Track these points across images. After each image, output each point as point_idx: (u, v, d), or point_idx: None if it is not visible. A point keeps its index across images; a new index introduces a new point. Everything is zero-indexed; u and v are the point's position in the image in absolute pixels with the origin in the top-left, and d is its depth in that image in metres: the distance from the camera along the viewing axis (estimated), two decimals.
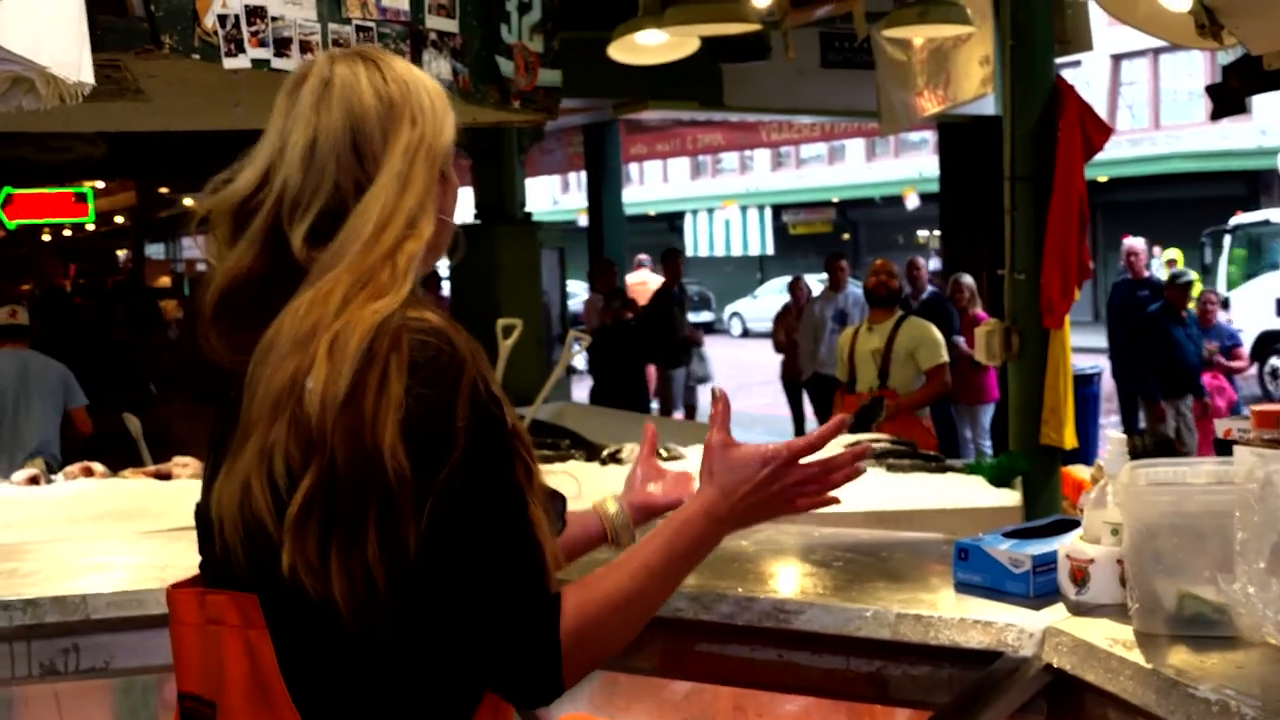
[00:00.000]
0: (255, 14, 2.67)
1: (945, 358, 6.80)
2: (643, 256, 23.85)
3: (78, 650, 2.58)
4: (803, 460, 1.82)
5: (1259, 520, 1.96)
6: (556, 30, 3.76)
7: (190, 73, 2.74)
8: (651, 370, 13.16)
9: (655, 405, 13.17)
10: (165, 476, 4.79)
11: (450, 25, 3.21)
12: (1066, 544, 2.24)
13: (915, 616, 2.23)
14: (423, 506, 1.52)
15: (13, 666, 2.55)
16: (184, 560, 2.85)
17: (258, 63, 2.70)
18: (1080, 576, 2.18)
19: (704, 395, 14.23)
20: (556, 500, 1.96)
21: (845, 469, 1.84)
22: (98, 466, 4.81)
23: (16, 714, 3.15)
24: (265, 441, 1.52)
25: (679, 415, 12.88)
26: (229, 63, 2.64)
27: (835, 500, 1.85)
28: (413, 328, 1.55)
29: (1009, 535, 2.38)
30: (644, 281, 19.95)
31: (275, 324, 1.57)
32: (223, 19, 2.61)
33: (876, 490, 4.67)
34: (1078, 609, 2.17)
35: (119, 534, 3.74)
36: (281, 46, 2.73)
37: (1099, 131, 4.92)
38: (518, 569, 1.58)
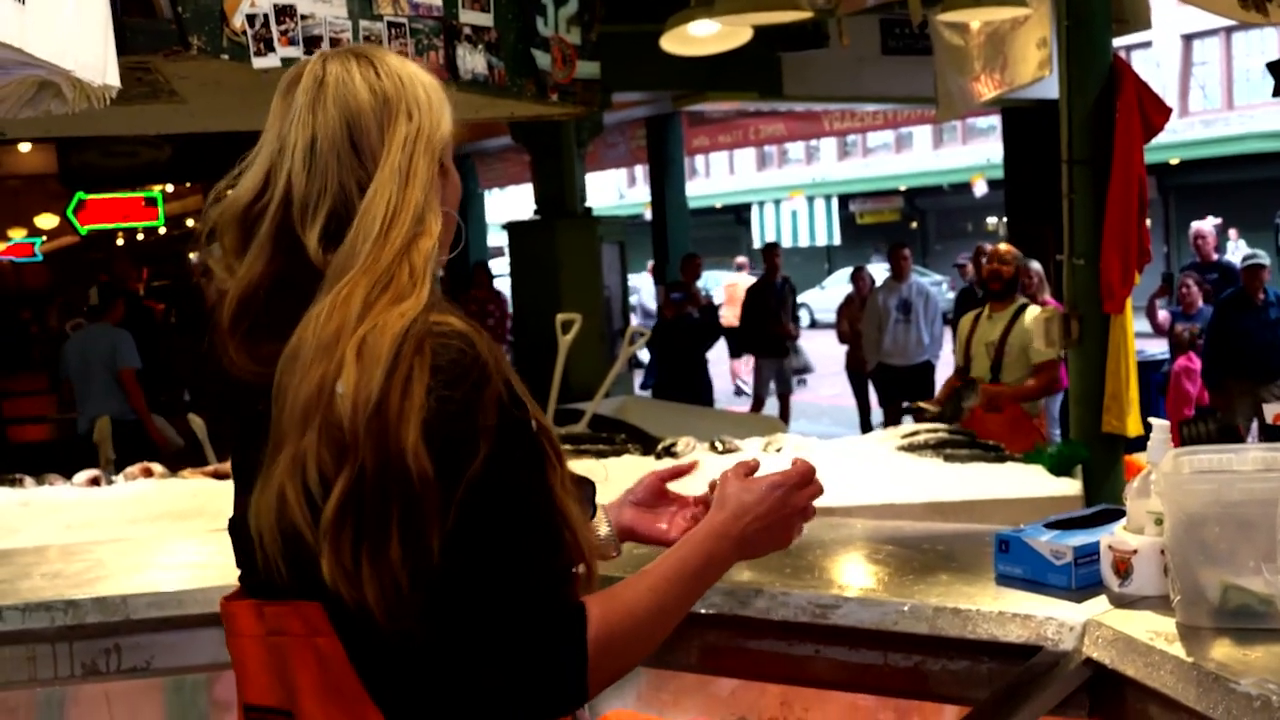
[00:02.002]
0: (284, 13, 2.66)
1: (1058, 353, 6.33)
2: (742, 259, 24.09)
3: (119, 650, 2.60)
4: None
5: None
6: (594, 22, 3.73)
7: (221, 73, 2.74)
8: (745, 363, 13.29)
9: (748, 394, 13.30)
10: (224, 476, 4.82)
11: (484, 19, 3.20)
12: (1109, 535, 2.18)
13: (954, 610, 2.19)
14: (447, 509, 1.51)
15: (55, 667, 2.57)
16: (232, 560, 2.86)
17: (287, 61, 2.69)
18: (1123, 568, 2.12)
19: (798, 387, 14.27)
20: (585, 486, 1.96)
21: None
22: (157, 467, 4.86)
23: (68, 713, 3.18)
24: (297, 450, 1.51)
25: (771, 410, 12.84)
26: (258, 62, 2.64)
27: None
28: (436, 331, 1.55)
29: (1052, 526, 2.33)
30: (734, 283, 20.08)
31: (298, 332, 1.56)
32: (251, 18, 2.61)
33: (934, 481, 4.62)
34: (1120, 601, 2.12)
35: (173, 534, 3.76)
36: (311, 45, 2.73)
37: (1158, 112, 4.81)
38: (543, 576, 1.58)
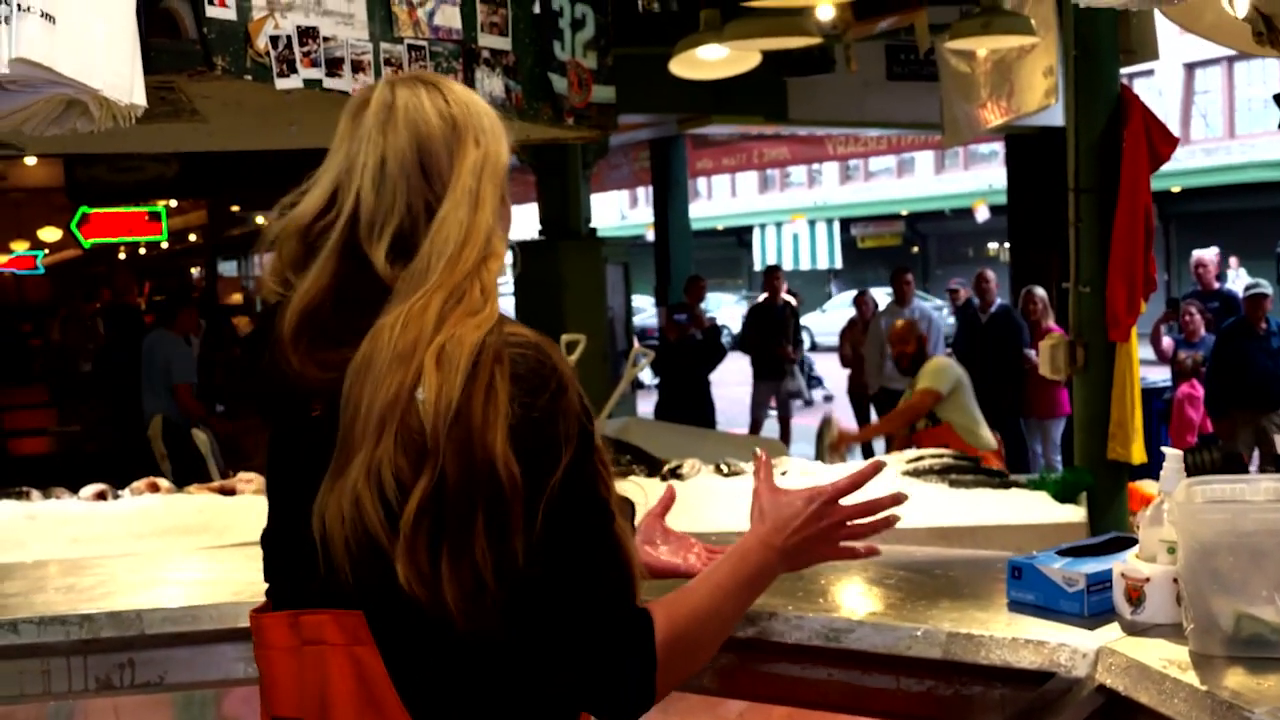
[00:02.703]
0: (307, 35, 2.69)
1: (932, 384, 6.54)
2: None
3: (133, 665, 2.60)
4: (844, 501, 1.95)
5: None
6: (610, 47, 3.76)
7: (244, 93, 2.77)
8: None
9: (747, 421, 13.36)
10: (229, 492, 4.83)
11: (503, 43, 3.23)
12: (1122, 563, 2.20)
13: (966, 635, 2.20)
14: (533, 516, 1.56)
15: (69, 680, 2.58)
16: (242, 575, 2.88)
17: (310, 83, 2.72)
18: (1135, 596, 2.14)
19: (796, 410, 14.34)
20: (627, 506, 2.00)
21: (884, 510, 2.00)
22: (163, 482, 4.87)
23: None
24: (373, 456, 1.54)
25: (770, 432, 12.88)
26: (281, 83, 2.66)
27: (874, 550, 2.09)
28: (512, 341, 1.60)
29: (1064, 553, 2.34)
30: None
31: (369, 340, 1.59)
32: (275, 40, 2.63)
33: (939, 506, 4.63)
34: (1133, 629, 2.13)
35: (181, 549, 3.77)
36: (333, 66, 2.75)
37: (1165, 142, 4.84)
38: (615, 580, 1.63)
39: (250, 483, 4.87)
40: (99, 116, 2.21)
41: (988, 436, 6.73)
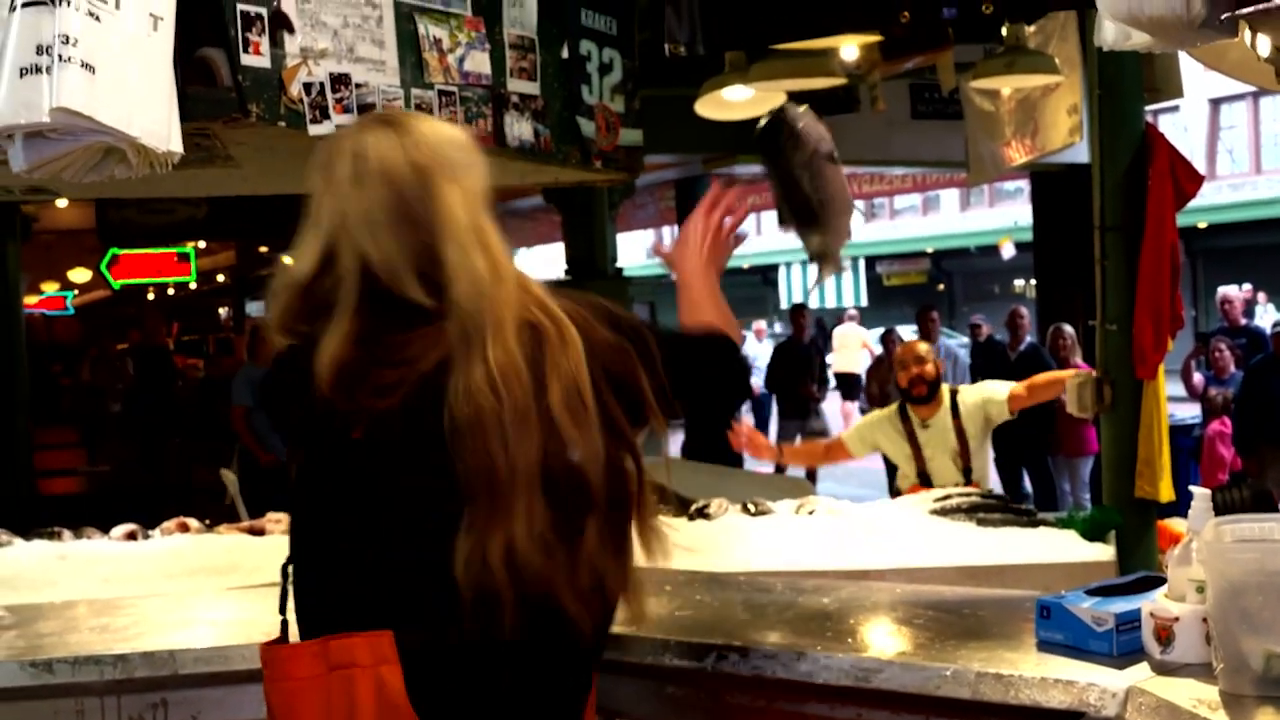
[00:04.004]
0: (340, 81, 2.73)
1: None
2: (760, 325, 24.39)
3: (166, 705, 2.62)
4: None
5: None
6: (637, 90, 3.80)
7: (277, 139, 2.81)
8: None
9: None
10: (259, 532, 4.85)
11: (532, 88, 3.27)
12: (1151, 602, 2.20)
13: (996, 675, 2.20)
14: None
15: (103, 719, 2.60)
16: (272, 615, 2.89)
17: (342, 129, 2.77)
18: (1165, 635, 2.14)
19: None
20: None
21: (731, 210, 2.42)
22: (193, 522, 4.89)
23: None
24: (529, 509, 1.72)
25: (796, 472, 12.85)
26: (314, 129, 2.71)
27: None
28: (601, 346, 1.87)
29: (1093, 592, 2.34)
30: (845, 333, 20.44)
31: (467, 402, 1.74)
32: (308, 87, 2.68)
33: (967, 545, 4.62)
34: (1162, 668, 2.13)
35: (211, 589, 3.79)
36: (365, 112, 2.79)
37: (1191, 180, 4.84)
38: None
39: (279, 523, 4.89)
40: (136, 163, 2.25)
41: None
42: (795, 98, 5.87)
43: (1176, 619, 2.13)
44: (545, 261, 23.20)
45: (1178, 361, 10.40)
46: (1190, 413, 10.76)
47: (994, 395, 5.81)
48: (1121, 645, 2.20)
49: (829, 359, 15.54)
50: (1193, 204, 4.96)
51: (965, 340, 23.53)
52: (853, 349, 19.88)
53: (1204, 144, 26.38)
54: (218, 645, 2.67)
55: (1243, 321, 11.39)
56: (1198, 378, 10.59)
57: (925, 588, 2.99)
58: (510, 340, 1.70)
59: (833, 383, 16.19)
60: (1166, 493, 4.88)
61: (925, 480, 5.85)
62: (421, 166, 1.78)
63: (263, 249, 18.09)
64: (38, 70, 2.16)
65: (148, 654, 2.62)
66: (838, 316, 24.39)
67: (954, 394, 5.91)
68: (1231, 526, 2.04)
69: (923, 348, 6.07)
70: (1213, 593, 2.00)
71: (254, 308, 24.92)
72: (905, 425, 5.91)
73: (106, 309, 23.29)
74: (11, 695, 2.55)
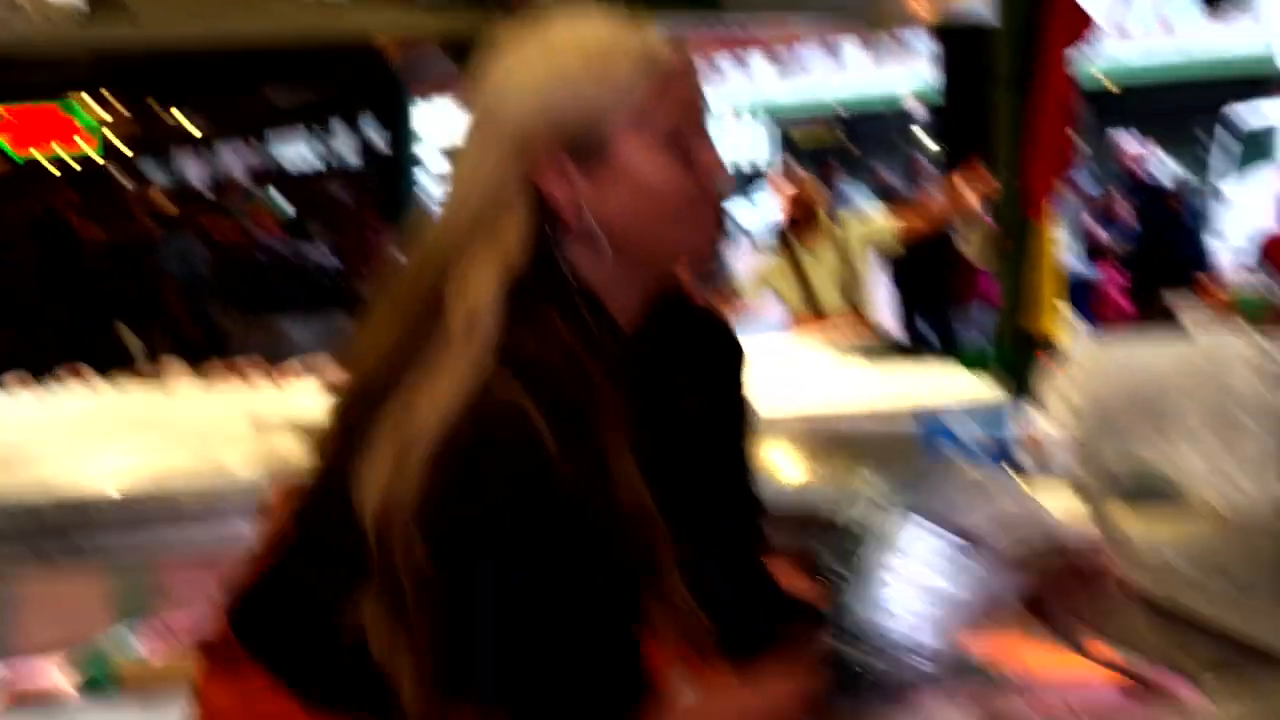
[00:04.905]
0: None
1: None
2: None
3: (72, 544, 2.65)
4: None
5: (1208, 392, 2.02)
6: None
7: None
8: None
9: None
10: (156, 380, 4.84)
11: None
12: (1026, 422, 2.30)
13: (886, 494, 2.29)
14: None
15: (15, 564, 2.62)
16: (179, 463, 2.93)
17: None
18: (1037, 450, 2.24)
19: None
20: None
21: None
22: (89, 370, 4.87)
23: (19, 611, 3.23)
24: None
25: None
26: None
27: None
28: None
29: (974, 416, 2.44)
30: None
31: None
32: None
33: (858, 383, 4.73)
34: (1035, 481, 2.24)
35: (117, 439, 3.81)
36: None
37: (1083, 22, 4.89)
38: None
39: (175, 370, 4.86)
40: (34, 17, 2.21)
41: None
42: None
43: (1050, 438, 2.24)
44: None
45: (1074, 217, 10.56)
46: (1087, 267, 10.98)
47: (881, 225, 5.96)
48: (998, 461, 2.30)
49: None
50: (1104, 66, 5.02)
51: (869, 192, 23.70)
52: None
53: (1111, 2, 26.44)
54: (124, 488, 2.69)
55: (1142, 176, 11.58)
56: (1094, 228, 10.80)
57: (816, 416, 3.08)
58: None
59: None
60: (1053, 328, 5.01)
61: (815, 311, 5.96)
62: None
63: (159, 109, 17.70)
64: None
65: (56, 498, 2.64)
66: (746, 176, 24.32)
67: (842, 225, 6.04)
68: (1101, 348, 2.14)
69: (806, 176, 6.35)
70: (1085, 410, 2.11)
71: (157, 175, 24.46)
72: (792, 256, 6.02)
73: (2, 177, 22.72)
74: None
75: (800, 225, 5.96)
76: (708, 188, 1.34)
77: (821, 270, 5.97)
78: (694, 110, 1.35)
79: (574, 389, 1.24)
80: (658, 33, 1.37)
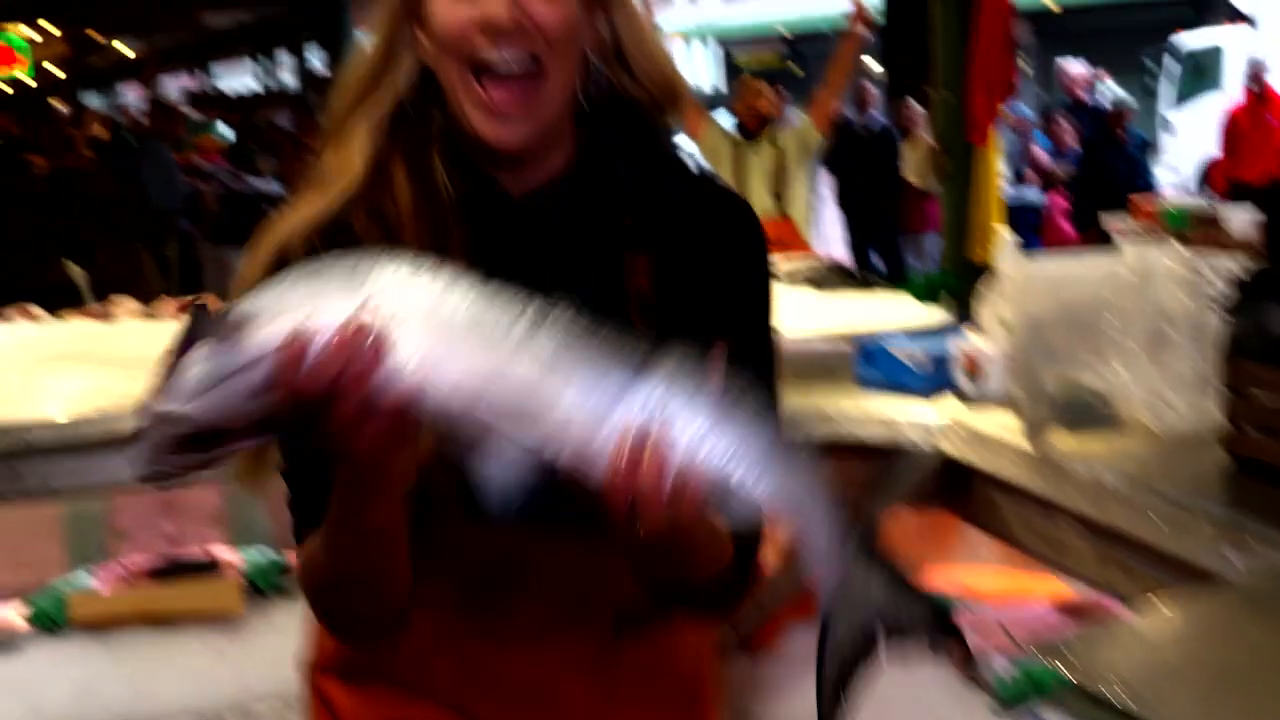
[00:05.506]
0: None
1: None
2: None
3: (19, 476, 2.65)
4: None
5: (1139, 309, 2.06)
6: None
7: None
8: None
9: None
10: (105, 317, 4.82)
11: None
12: (961, 340, 2.34)
13: (819, 415, 2.34)
14: None
15: None
16: (120, 390, 2.93)
17: None
18: (973, 370, 2.28)
19: None
20: None
21: None
22: (36, 309, 4.83)
23: None
24: None
25: None
26: None
27: None
28: None
29: (911, 336, 2.48)
30: None
31: None
32: None
33: (808, 311, 4.77)
34: (971, 401, 2.28)
35: (62, 371, 3.79)
36: None
37: None
38: None
39: (124, 307, 4.85)
40: None
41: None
42: None
43: (984, 354, 2.28)
44: None
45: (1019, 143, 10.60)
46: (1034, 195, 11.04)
47: (803, 122, 6.45)
48: (934, 382, 2.34)
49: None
50: None
51: None
52: None
53: None
54: (70, 420, 2.69)
55: (1085, 99, 11.61)
56: (1037, 151, 10.84)
57: None
58: None
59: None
60: (996, 255, 5.06)
61: None
62: None
63: (96, 35, 17.40)
64: None
65: (1, 427, 2.64)
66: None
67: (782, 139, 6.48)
68: (1032, 264, 2.17)
69: (763, 86, 6.59)
70: (1016, 327, 2.15)
71: (93, 100, 24.06)
72: (734, 146, 6.43)
73: None
74: None
75: (746, 130, 6.43)
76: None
77: (758, 176, 6.35)
78: None
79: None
80: None
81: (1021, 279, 2.15)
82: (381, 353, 1.07)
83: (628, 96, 1.38)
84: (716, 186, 1.44)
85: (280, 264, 1.29)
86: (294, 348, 1.06)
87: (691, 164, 1.42)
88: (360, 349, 1.06)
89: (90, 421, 2.67)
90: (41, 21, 16.80)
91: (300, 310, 1.07)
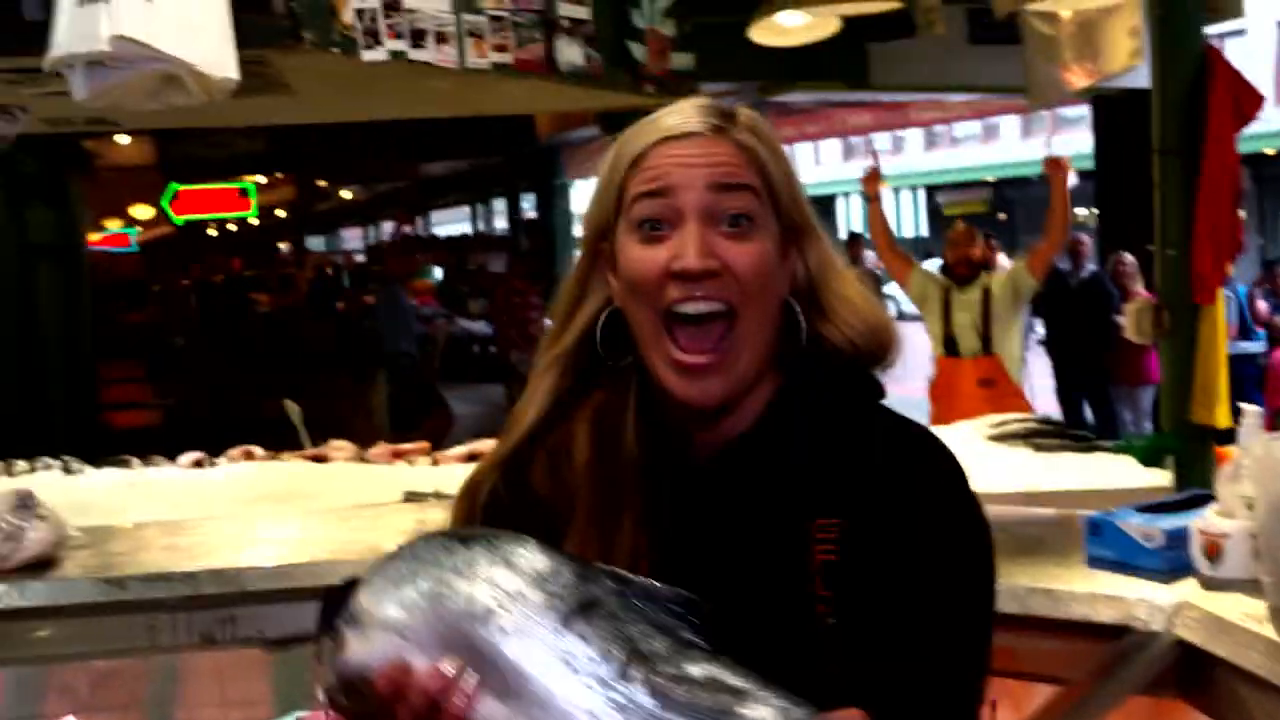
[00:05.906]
0: (391, 7, 2.76)
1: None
2: None
3: (234, 621, 2.70)
4: None
5: None
6: (688, 13, 3.80)
7: (330, 65, 2.85)
8: None
9: None
10: (321, 459, 4.94)
11: (582, 12, 3.28)
12: (1200, 519, 2.21)
13: (1045, 591, 2.23)
14: None
15: (174, 634, 2.68)
16: (332, 536, 2.98)
17: (395, 54, 2.80)
18: (1213, 551, 2.15)
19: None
20: None
21: None
22: (258, 450, 4.98)
23: (181, 684, 3.30)
24: None
25: None
26: (367, 55, 2.74)
27: None
28: None
29: (1144, 510, 2.36)
30: None
31: None
32: (360, 13, 2.71)
33: (1025, 471, 4.63)
34: (1210, 584, 2.14)
35: (274, 514, 3.88)
36: (417, 38, 2.82)
37: (1251, 100, 4.75)
38: None
39: (341, 450, 4.97)
40: (194, 91, 2.29)
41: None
42: (852, 22, 5.83)
43: (1225, 535, 2.15)
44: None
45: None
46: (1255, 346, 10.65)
47: (1017, 265, 6.55)
48: (1170, 561, 2.21)
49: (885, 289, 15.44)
50: (1260, 130, 4.90)
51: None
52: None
53: (1271, 68, 25.84)
54: (281, 564, 2.74)
55: None
56: (1262, 305, 10.47)
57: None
58: None
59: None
60: (1224, 418, 4.84)
61: (950, 347, 6.56)
62: None
63: (322, 183, 18.22)
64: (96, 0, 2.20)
65: (215, 572, 2.69)
66: None
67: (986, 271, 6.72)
68: (1277, 441, 2.04)
69: (975, 233, 6.77)
70: (1261, 508, 2.01)
71: (314, 242, 25.16)
72: (943, 290, 6.62)
73: (169, 245, 23.53)
74: (86, 611, 2.63)
75: (959, 276, 6.59)
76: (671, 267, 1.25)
77: (966, 317, 6.51)
78: (668, 190, 1.27)
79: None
80: (695, 111, 1.31)
81: (1266, 455, 2.02)
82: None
83: (829, 345, 1.32)
84: (912, 435, 1.35)
85: (472, 500, 1.32)
86: (392, 684, 1.07)
87: (889, 418, 1.35)
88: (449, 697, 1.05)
89: (299, 567, 2.71)
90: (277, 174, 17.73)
91: (406, 625, 1.09)
